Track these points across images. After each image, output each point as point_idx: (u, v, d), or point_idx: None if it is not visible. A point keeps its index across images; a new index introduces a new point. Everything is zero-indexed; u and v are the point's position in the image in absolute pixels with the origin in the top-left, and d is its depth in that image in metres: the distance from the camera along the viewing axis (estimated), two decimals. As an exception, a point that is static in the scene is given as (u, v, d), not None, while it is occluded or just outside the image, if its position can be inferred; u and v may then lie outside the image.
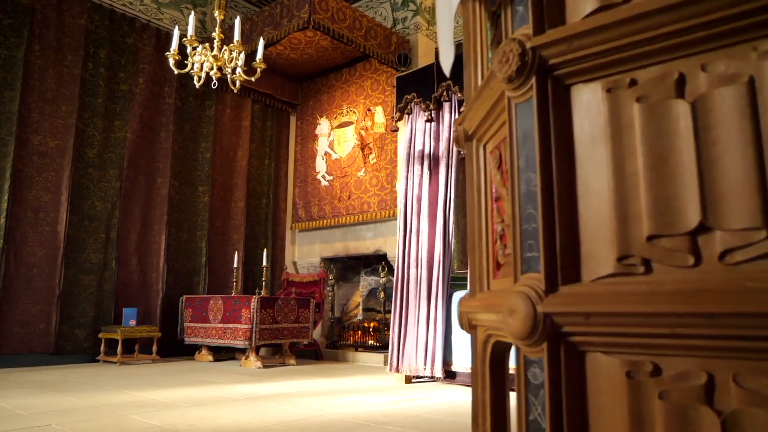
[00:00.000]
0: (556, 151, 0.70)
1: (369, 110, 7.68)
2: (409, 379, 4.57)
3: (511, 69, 0.73)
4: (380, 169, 7.44)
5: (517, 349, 0.72)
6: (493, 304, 0.83)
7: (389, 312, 7.12)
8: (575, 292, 0.67)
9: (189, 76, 7.17)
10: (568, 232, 0.69)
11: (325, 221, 7.96)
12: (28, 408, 3.32)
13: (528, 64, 0.72)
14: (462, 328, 1.00)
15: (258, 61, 4.18)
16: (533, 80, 0.72)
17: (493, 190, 0.93)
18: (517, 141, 0.76)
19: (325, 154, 8.11)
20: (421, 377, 4.56)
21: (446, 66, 1.04)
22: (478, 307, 0.92)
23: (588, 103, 0.70)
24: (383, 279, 7.18)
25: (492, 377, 0.92)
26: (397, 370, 4.51)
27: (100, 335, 6.03)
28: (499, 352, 0.92)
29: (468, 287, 3.89)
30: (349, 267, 8.32)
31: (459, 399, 3.79)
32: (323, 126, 8.22)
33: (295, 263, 8.34)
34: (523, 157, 0.74)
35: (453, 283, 4.69)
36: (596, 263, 0.67)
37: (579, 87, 0.71)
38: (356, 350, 6.80)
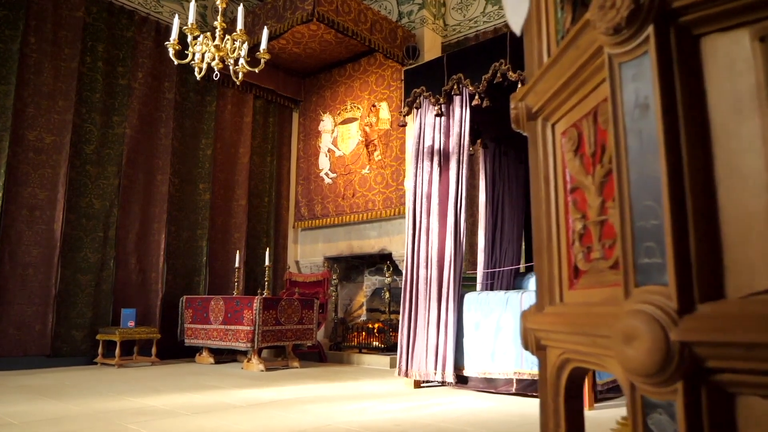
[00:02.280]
0: (686, 124, 0.53)
1: (374, 106, 7.50)
2: (418, 384, 4.40)
3: (620, 16, 0.55)
4: (385, 166, 7.26)
5: (631, 387, 0.54)
6: (579, 323, 0.66)
7: (394, 312, 6.94)
8: (723, 312, 0.49)
9: (189, 71, 7.01)
10: (705, 231, 0.51)
11: (328, 220, 7.79)
12: (21, 416, 3.15)
13: (644, 9, 0.54)
14: (525, 347, 0.83)
15: (262, 51, 3.99)
16: (650, 30, 0.54)
17: (567, 180, 0.76)
18: (623, 113, 0.58)
19: (329, 151, 7.93)
20: (431, 382, 4.38)
21: (516, 23, 0.86)
22: (551, 323, 0.75)
23: (729, 58, 0.53)
24: (388, 279, 7.01)
25: (567, 411, 0.74)
26: (406, 375, 4.33)
27: (98, 337, 5.86)
28: (577, 381, 0.75)
29: (477, 291, 3.58)
30: (352, 266, 8.15)
31: (473, 406, 3.62)
32: (326, 122, 8.04)
33: (297, 262, 8.16)
34: (634, 134, 0.57)
35: (463, 283, 4.52)
36: (749, 273, 0.49)
37: (714, 37, 0.54)
38: (360, 352, 6.62)
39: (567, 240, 0.75)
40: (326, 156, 7.96)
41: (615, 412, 3.45)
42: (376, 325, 6.87)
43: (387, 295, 6.93)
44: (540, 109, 0.81)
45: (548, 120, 0.80)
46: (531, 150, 0.84)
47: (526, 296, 3.93)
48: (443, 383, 4.29)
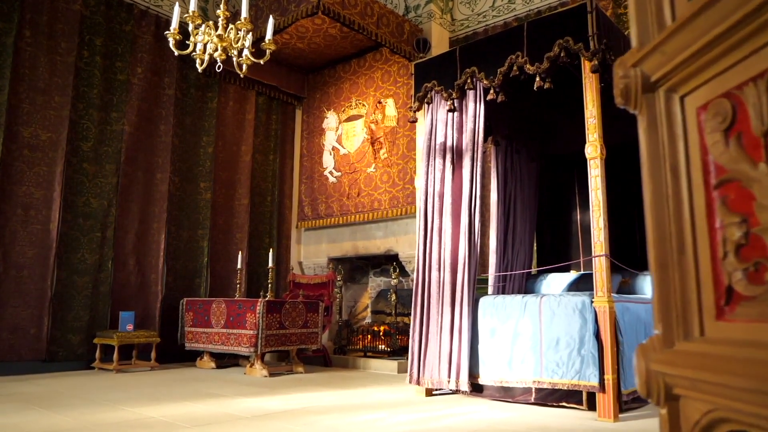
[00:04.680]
0: None
1: (379, 103, 7.30)
2: (429, 392, 4.20)
3: None
4: (391, 164, 7.06)
5: None
6: (761, 375, 0.46)
7: (401, 315, 6.74)
8: None
9: (190, 67, 6.81)
10: None
11: (332, 219, 7.59)
12: (10, 429, 2.95)
13: None
14: (647, 395, 0.62)
15: (267, 41, 3.77)
16: None
17: (711, 170, 0.56)
18: None
19: (333, 149, 7.73)
20: (442, 390, 4.18)
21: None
22: (695, 368, 0.54)
23: None
24: (395, 280, 6.80)
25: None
26: (418, 383, 4.13)
27: (95, 341, 5.65)
28: (730, 445, 0.54)
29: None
30: (356, 267, 7.95)
31: (490, 417, 3.42)
32: (331, 120, 7.84)
33: (300, 263, 7.97)
34: None
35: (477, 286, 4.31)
36: None
37: None
38: (365, 356, 6.42)
39: (712, 252, 0.55)
40: (330, 154, 7.76)
41: (642, 423, 3.26)
42: (382, 328, 6.66)
43: (393, 297, 6.73)
44: (664, 77, 0.61)
45: (675, 91, 0.60)
46: (648, 132, 0.64)
47: (546, 301, 3.73)
48: (456, 391, 4.09)
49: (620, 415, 3.38)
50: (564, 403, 3.63)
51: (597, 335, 3.43)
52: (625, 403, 3.49)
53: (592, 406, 3.49)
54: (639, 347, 0.64)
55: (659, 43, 0.60)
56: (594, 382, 3.38)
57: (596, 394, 3.40)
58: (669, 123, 0.61)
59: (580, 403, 3.56)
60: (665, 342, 0.60)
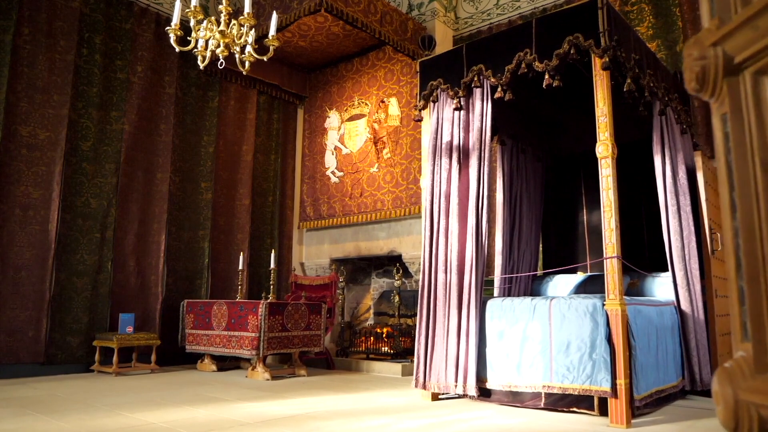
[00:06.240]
0: None
1: (382, 102, 7.21)
2: (435, 396, 4.10)
3: None
4: (395, 164, 6.97)
5: None
6: None
7: (404, 316, 6.65)
8: None
9: (191, 65, 6.73)
10: None
11: (334, 220, 7.50)
12: (6, 436, 2.86)
13: None
14: (731, 426, 0.53)
15: (271, 38, 3.68)
16: None
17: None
18: None
19: (335, 148, 7.65)
20: (448, 394, 4.08)
21: None
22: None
23: None
24: (398, 282, 6.72)
25: None
26: (424, 387, 4.03)
27: (95, 343, 5.57)
28: None
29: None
30: (359, 268, 7.87)
31: (500, 422, 3.33)
32: (333, 119, 7.75)
33: (302, 264, 7.88)
34: None
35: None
36: None
37: None
38: (368, 358, 6.33)
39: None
40: (332, 154, 7.67)
41: (655, 429, 3.17)
42: (385, 330, 6.57)
43: (396, 298, 6.64)
44: (752, 57, 0.52)
45: (765, 73, 0.52)
46: (732, 121, 0.55)
47: (555, 304, 3.64)
48: (463, 396, 4.00)
49: (633, 421, 3.29)
50: (575, 409, 3.54)
51: (609, 339, 3.35)
52: (638, 409, 3.40)
53: (603, 411, 3.40)
54: (722, 371, 0.55)
55: (751, 17, 0.51)
56: (606, 387, 3.30)
57: (608, 399, 3.31)
58: (758, 111, 0.52)
59: (591, 408, 3.48)
60: (757, 366, 0.51)
